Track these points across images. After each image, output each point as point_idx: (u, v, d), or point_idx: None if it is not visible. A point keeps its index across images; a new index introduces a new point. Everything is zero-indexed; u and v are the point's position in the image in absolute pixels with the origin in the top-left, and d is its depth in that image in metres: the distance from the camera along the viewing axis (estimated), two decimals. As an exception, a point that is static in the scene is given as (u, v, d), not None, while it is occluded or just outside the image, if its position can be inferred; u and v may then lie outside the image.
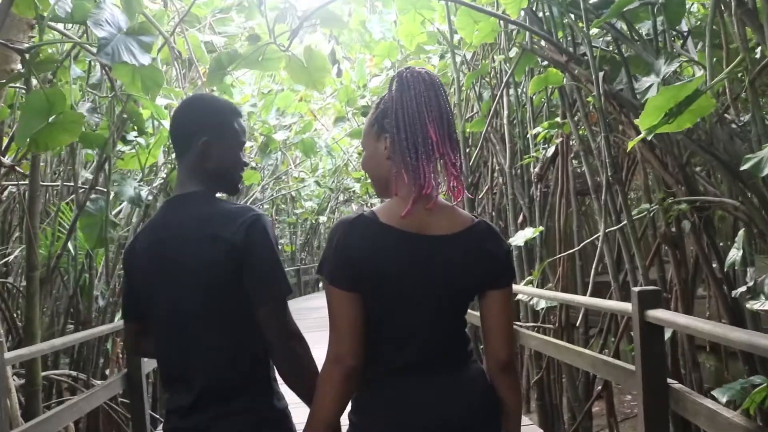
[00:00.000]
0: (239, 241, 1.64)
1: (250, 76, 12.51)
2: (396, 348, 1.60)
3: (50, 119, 3.19)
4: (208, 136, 1.77)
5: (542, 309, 5.24)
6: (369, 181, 2.53)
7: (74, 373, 5.58)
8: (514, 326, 4.95)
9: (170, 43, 5.36)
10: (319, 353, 1.59)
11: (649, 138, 2.82)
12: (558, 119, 5.68)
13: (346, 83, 10.87)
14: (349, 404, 1.64)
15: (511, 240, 5.57)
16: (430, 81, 1.57)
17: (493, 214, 8.69)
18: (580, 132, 5.37)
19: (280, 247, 20.26)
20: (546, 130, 5.35)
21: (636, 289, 2.84)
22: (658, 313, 2.72)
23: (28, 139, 3.20)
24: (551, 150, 5.61)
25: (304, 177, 14.85)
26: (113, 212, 7.14)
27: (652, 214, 4.76)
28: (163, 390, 1.74)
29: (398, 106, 1.56)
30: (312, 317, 10.65)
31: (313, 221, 21.39)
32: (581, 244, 5.40)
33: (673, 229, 4.64)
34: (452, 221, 1.62)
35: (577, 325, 5.59)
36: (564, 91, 5.75)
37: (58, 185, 6.26)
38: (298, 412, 1.74)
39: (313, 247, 23.25)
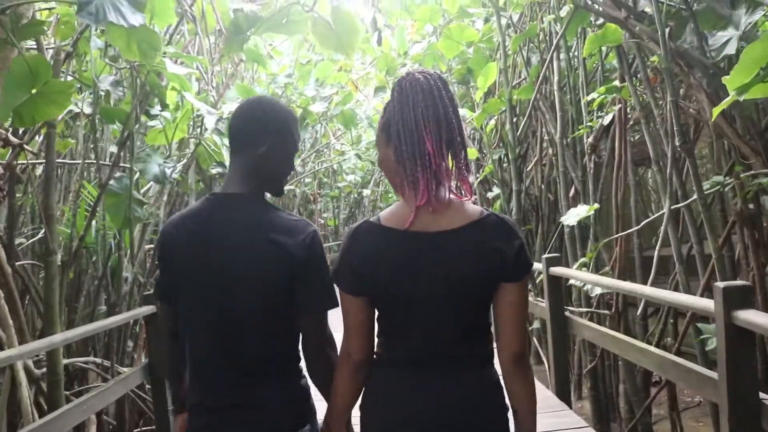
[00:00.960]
0: (301, 255, 1.71)
1: (288, 45, 12.11)
2: (399, 344, 1.65)
3: (34, 90, 2.84)
4: (271, 142, 1.81)
5: (596, 295, 4.74)
6: None
7: (99, 360, 5.32)
8: (567, 314, 4.48)
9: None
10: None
11: (741, 99, 2.29)
12: (615, 83, 5.10)
13: (386, 51, 10.33)
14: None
15: (563, 219, 5.07)
16: (428, 87, 1.60)
17: (542, 187, 8.14)
18: (641, 98, 4.80)
19: (323, 221, 20.01)
20: (603, 96, 4.77)
21: (720, 284, 2.34)
22: (749, 315, 2.22)
23: (11, 113, 2.85)
24: (608, 118, 5.04)
25: (344, 150, 14.36)
26: (142, 190, 6.88)
27: (724, 189, 4.18)
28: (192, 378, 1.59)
29: (398, 118, 1.61)
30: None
31: (357, 195, 21.00)
32: (642, 223, 4.84)
33: (751, 206, 4.07)
34: (457, 216, 1.61)
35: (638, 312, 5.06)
36: (622, 52, 5.15)
37: (78, 163, 5.96)
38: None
39: (357, 220, 22.92)
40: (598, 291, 4.55)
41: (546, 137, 7.70)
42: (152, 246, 7.80)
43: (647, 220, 4.92)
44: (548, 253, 8.46)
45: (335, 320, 1.61)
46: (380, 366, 1.69)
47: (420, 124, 1.58)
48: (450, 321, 1.60)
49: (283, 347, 1.81)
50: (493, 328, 1.68)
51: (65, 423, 3.36)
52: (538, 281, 7.27)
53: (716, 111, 2.73)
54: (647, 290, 3.49)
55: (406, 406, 1.61)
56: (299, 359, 1.86)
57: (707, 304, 2.47)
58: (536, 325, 7.45)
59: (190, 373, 1.83)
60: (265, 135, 1.81)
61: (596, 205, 4.97)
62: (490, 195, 8.35)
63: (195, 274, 1.77)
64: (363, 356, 1.66)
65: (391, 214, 1.64)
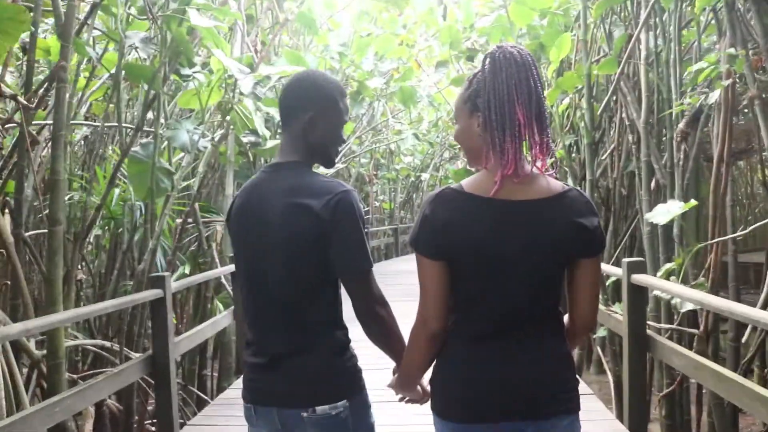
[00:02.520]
0: (326, 216, 1.71)
1: (347, 17, 11.42)
2: (476, 314, 1.64)
3: (-27, 15, 2.24)
4: (314, 111, 1.84)
5: (682, 311, 3.91)
6: None
7: (108, 344, 4.79)
8: (648, 332, 3.68)
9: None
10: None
11: None
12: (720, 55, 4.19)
13: (451, 23, 9.50)
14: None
15: (648, 216, 4.24)
16: (522, 61, 1.60)
17: (615, 180, 7.23)
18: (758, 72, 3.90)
19: (378, 204, 19.34)
20: (712, 66, 3.89)
21: None
22: None
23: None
24: (714, 96, 4.14)
25: (401, 130, 13.58)
26: (174, 159, 6.33)
27: None
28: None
29: (490, 88, 1.60)
30: (407, 282, 9.54)
31: (414, 178, 20.23)
32: (755, 225, 3.97)
33: None
34: (541, 188, 1.61)
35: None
36: (735, 18, 4.24)
37: (97, 125, 5.41)
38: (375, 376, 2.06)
39: (414, 205, 22.16)
40: (689, 307, 3.73)
41: (626, 122, 6.78)
42: (189, 220, 7.31)
43: (761, 223, 4.02)
44: (619, 255, 7.63)
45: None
46: (457, 337, 1.67)
47: (513, 95, 1.58)
48: (528, 290, 1.60)
49: (314, 315, 1.80)
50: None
51: (59, 411, 2.91)
52: (608, 284, 6.43)
53: None
54: (755, 313, 2.65)
55: (488, 374, 1.62)
56: (336, 327, 1.84)
57: None
58: (601, 332, 6.61)
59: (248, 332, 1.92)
60: (310, 103, 1.85)
61: (694, 202, 4.09)
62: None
63: (241, 241, 1.88)
64: (440, 325, 1.65)
65: (475, 182, 1.63)
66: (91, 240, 7.26)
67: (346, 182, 12.28)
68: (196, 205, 6.78)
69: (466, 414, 1.62)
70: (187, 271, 6.63)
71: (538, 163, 1.63)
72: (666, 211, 4.00)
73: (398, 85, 11.30)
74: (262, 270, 1.81)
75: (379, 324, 1.80)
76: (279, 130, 7.75)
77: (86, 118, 6.36)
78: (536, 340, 1.63)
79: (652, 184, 5.92)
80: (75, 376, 4.69)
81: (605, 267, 4.27)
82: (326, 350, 1.80)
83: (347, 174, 15.63)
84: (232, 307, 5.91)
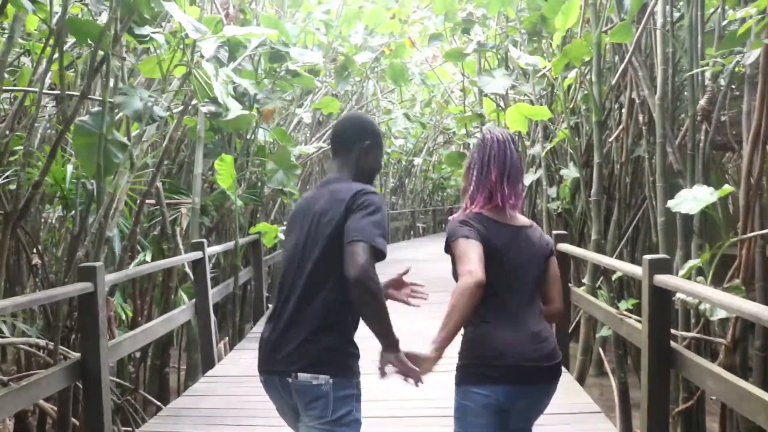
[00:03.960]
0: (349, 204, 2.10)
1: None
2: (499, 300, 2.22)
3: None
4: (370, 141, 2.30)
5: (713, 319, 3.28)
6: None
7: (42, 342, 4.15)
8: (672, 344, 3.06)
9: None
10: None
11: None
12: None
13: (446, -8, 8.80)
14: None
15: (671, 204, 3.61)
16: (502, 140, 2.35)
17: (622, 164, 6.59)
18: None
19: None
20: (761, 16, 3.22)
21: None
22: None
23: None
24: (752, 56, 3.49)
25: (390, 108, 12.85)
26: (135, 132, 5.65)
27: None
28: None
29: (477, 160, 2.37)
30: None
31: (407, 162, 19.54)
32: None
33: None
34: (524, 220, 2.38)
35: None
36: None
37: (34, 91, 4.70)
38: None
39: (406, 191, 21.50)
40: (722, 315, 3.11)
41: (637, 101, 6.14)
42: (152, 202, 6.65)
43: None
44: (624, 249, 7.03)
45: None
46: (485, 319, 2.21)
47: (491, 164, 2.33)
48: (534, 284, 2.31)
49: (337, 294, 2.06)
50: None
51: None
52: (614, 279, 5.81)
53: None
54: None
55: (511, 338, 2.19)
56: (348, 314, 2.11)
57: None
58: (604, 332, 6.02)
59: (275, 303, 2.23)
60: (365, 134, 2.30)
61: (729, 188, 3.45)
62: (564, 173, 6.85)
63: (292, 232, 2.26)
64: (481, 276, 2.09)
65: (486, 212, 2.33)
66: (55, 221, 6.65)
67: (332, 166, 11.67)
68: (159, 184, 6.12)
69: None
70: (148, 258, 5.97)
71: (511, 202, 2.32)
72: (694, 199, 3.37)
73: (389, 62, 10.61)
74: (304, 254, 2.14)
75: (360, 291, 1.96)
76: (254, 104, 7.08)
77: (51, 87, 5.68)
78: (538, 320, 2.28)
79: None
80: (6, 378, 4.05)
81: (621, 265, 3.65)
82: (336, 329, 2.09)
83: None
84: (194, 301, 5.27)
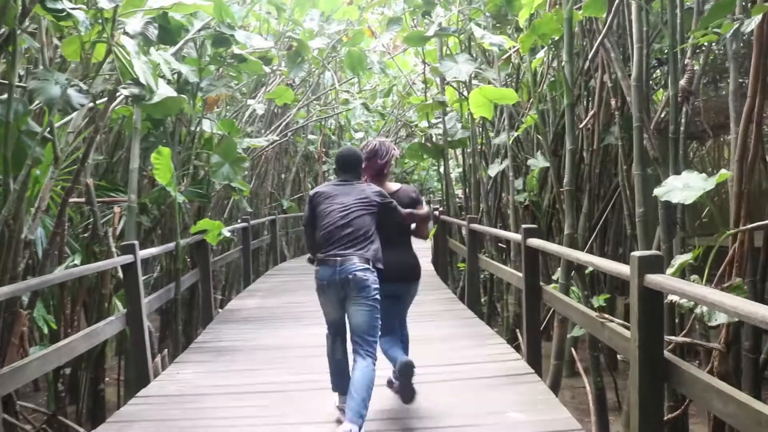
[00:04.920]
0: (374, 199, 3.72)
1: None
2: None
3: None
4: (363, 164, 3.89)
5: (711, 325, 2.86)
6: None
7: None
8: (666, 354, 2.61)
9: None
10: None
11: None
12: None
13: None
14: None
15: (658, 192, 3.18)
16: (379, 148, 4.00)
17: (593, 152, 6.20)
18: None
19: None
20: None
21: None
22: None
23: None
24: (752, 23, 3.08)
25: (347, 98, 12.30)
26: (59, 123, 5.05)
27: None
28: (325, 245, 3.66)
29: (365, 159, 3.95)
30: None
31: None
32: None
33: None
34: (392, 187, 4.07)
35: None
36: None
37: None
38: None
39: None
40: (722, 320, 2.70)
41: (608, 85, 5.74)
42: (80, 200, 6.04)
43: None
44: (594, 243, 6.66)
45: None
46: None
47: (366, 161, 3.94)
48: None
49: (367, 233, 3.65)
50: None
51: None
52: (586, 273, 5.41)
53: None
54: None
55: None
56: (375, 246, 3.67)
57: None
58: (576, 332, 5.63)
59: (323, 243, 3.65)
60: (360, 160, 3.86)
61: (726, 172, 3.03)
62: (532, 163, 6.44)
63: (330, 208, 3.68)
64: None
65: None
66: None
67: (292, 160, 11.16)
68: (90, 180, 5.52)
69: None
70: (78, 262, 5.37)
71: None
72: (686, 187, 2.94)
73: (347, 50, 10.09)
74: (348, 218, 3.63)
75: (419, 227, 4.14)
76: (197, 92, 6.52)
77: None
78: (406, 248, 4.11)
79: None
80: None
81: (605, 264, 3.20)
82: (369, 253, 3.61)
83: (293, 150, 14.36)
84: (124, 311, 4.69)
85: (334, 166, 4.55)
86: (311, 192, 3.82)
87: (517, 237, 4.86)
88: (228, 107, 10.74)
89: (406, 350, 4.00)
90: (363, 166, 3.83)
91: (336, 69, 12.23)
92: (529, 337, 4.79)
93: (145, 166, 6.57)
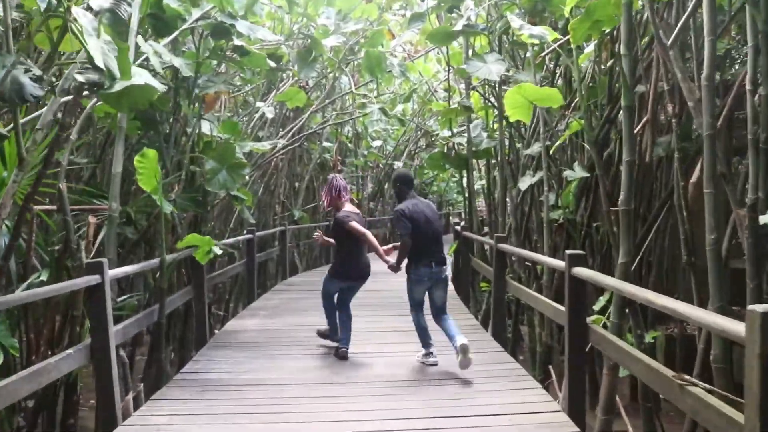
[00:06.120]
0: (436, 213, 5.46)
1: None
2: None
3: None
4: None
5: None
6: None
7: None
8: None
9: None
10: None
11: None
12: None
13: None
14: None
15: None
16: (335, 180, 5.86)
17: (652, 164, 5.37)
18: None
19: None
20: None
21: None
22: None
23: None
24: None
25: (364, 102, 11.53)
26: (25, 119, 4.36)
27: None
28: (420, 257, 5.11)
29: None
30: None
31: (386, 166, 18.22)
32: None
33: None
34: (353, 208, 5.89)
35: None
36: None
37: None
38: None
39: (386, 197, 20.22)
40: None
41: (663, 85, 4.94)
42: (51, 207, 5.34)
43: None
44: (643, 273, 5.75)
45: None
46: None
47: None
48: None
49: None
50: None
51: None
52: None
53: None
54: None
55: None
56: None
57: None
58: (622, 372, 4.80)
59: (419, 251, 5.10)
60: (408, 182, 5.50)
61: None
62: (568, 175, 5.64)
63: (421, 224, 5.08)
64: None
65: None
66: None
67: (305, 168, 11.09)
68: (63, 185, 4.81)
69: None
70: (44, 278, 4.65)
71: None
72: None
73: (365, 51, 9.35)
74: (434, 231, 5.16)
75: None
76: (194, 89, 5.79)
77: None
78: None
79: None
80: None
81: (711, 318, 2.39)
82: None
83: (307, 159, 13.63)
84: (88, 341, 3.94)
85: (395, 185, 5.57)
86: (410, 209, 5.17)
87: (560, 264, 4.06)
88: (241, 111, 10.06)
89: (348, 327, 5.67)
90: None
91: (353, 72, 11.52)
92: (572, 385, 3.98)
93: (134, 171, 5.86)
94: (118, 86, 3.10)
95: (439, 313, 5.23)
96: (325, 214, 14.38)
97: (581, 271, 3.75)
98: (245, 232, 9.25)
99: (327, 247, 16.73)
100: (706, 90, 3.93)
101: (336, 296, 5.72)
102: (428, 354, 5.26)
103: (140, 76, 3.50)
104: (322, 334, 6.02)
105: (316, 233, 5.86)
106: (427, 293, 5.23)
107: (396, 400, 4.37)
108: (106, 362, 3.91)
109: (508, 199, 8.31)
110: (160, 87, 3.62)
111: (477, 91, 9.08)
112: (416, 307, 5.28)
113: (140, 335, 7.45)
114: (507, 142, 8.34)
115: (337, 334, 5.71)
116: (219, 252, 5.24)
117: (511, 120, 6.34)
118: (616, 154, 5.49)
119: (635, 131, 5.29)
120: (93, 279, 3.85)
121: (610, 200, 4.86)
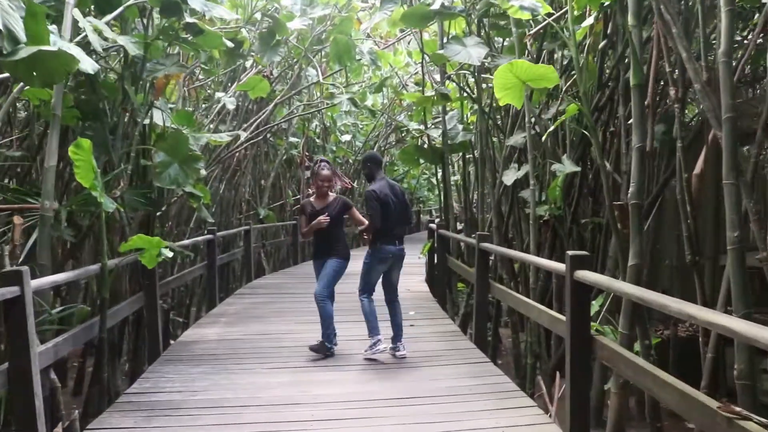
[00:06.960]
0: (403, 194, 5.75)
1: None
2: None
3: None
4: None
5: None
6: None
7: None
8: None
9: None
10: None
11: None
12: None
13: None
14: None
15: None
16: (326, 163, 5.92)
17: (629, 163, 4.89)
18: None
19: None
20: None
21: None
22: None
23: None
24: None
25: (333, 92, 10.91)
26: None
27: None
28: (387, 236, 5.35)
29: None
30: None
31: (354, 161, 17.62)
32: None
33: None
34: (332, 198, 5.84)
35: None
36: None
37: None
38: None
39: (356, 194, 19.62)
40: None
41: (667, 67, 4.47)
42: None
43: None
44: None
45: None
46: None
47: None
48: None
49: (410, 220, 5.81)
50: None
51: None
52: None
53: None
54: None
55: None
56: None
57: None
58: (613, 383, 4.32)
59: (385, 228, 5.34)
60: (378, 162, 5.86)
61: None
62: (557, 168, 5.16)
63: (390, 205, 5.36)
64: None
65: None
66: None
67: (271, 165, 11.06)
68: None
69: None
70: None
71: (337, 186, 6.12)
72: None
73: (333, 38, 8.76)
74: (398, 210, 5.40)
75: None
76: (142, 72, 5.14)
77: None
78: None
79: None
80: None
81: (748, 329, 1.89)
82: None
83: (273, 155, 12.98)
84: (6, 365, 3.30)
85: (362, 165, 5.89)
86: (379, 191, 5.37)
87: (560, 267, 3.54)
88: (204, 105, 9.40)
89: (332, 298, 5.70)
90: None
91: (321, 63, 10.91)
92: (575, 405, 3.46)
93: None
94: (23, 52, 2.48)
95: (394, 298, 5.52)
96: (293, 213, 13.78)
97: (586, 275, 3.23)
98: (206, 232, 8.61)
99: (296, 246, 16.31)
100: (724, 67, 3.44)
101: (372, 290, 5.54)
102: (377, 341, 5.32)
103: (64, 45, 2.88)
104: (315, 350, 5.53)
105: (322, 218, 5.49)
106: (382, 275, 5.45)
107: (372, 425, 3.81)
108: (26, 390, 3.27)
109: (486, 194, 7.81)
110: (88, 60, 3.00)
111: (452, 80, 8.56)
112: (368, 290, 5.44)
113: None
114: (485, 134, 7.83)
115: (332, 342, 5.53)
116: (170, 255, 4.59)
117: (501, 104, 5.82)
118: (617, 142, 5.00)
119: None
120: (10, 291, 3.21)
121: (612, 194, 4.35)
